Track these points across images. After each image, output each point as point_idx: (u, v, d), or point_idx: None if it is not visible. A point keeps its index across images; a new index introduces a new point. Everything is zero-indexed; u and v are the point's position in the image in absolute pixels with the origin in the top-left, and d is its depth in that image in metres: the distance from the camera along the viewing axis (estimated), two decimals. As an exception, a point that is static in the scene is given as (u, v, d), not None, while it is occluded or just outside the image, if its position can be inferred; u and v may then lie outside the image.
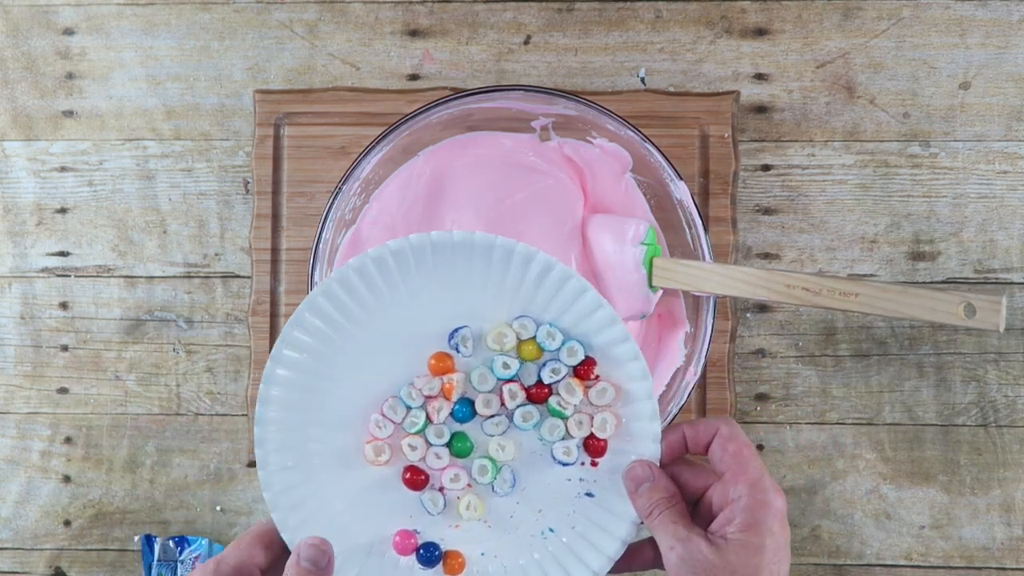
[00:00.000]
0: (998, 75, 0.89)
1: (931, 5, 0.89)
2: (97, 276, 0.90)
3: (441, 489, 0.68)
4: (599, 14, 0.90)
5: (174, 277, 0.90)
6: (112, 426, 0.90)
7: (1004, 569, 0.88)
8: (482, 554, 0.67)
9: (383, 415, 0.67)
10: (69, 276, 0.91)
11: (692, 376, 0.79)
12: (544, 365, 0.68)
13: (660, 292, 0.80)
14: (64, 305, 0.90)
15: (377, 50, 0.90)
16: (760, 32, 0.89)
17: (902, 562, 0.88)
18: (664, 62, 0.89)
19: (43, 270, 0.91)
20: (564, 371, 0.67)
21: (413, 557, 0.67)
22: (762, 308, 0.89)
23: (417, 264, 0.67)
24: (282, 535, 0.64)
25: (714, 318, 0.78)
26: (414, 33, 0.90)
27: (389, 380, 0.68)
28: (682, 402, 0.79)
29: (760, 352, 0.89)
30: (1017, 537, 0.88)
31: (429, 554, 0.66)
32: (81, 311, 0.90)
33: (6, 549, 0.90)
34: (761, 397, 0.88)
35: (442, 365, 0.67)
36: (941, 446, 0.88)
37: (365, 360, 0.68)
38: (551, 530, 0.67)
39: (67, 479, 0.90)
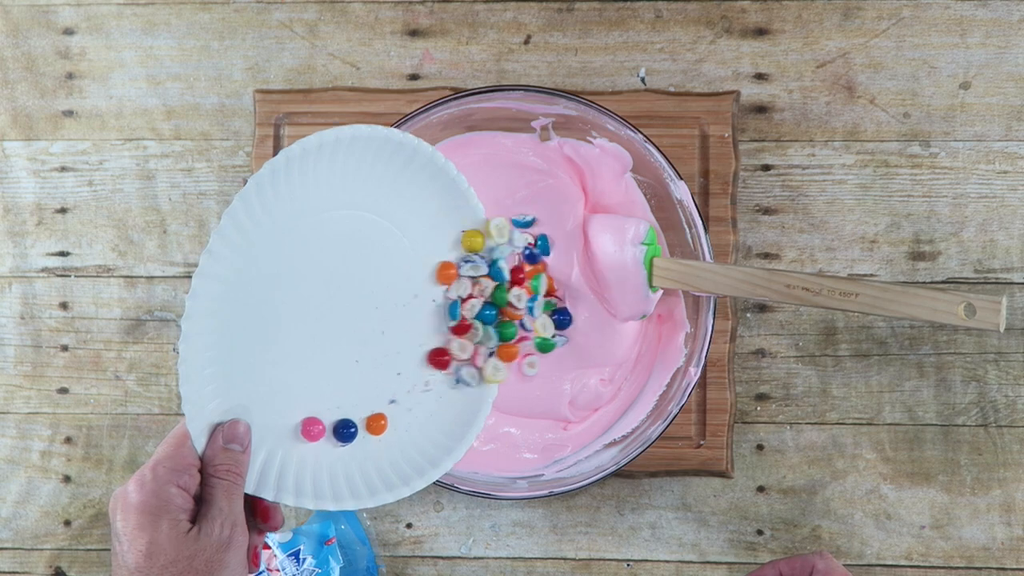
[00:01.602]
0: (998, 75, 0.89)
1: (931, 5, 0.89)
2: (97, 276, 0.90)
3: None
4: (599, 14, 0.90)
5: (174, 277, 0.90)
6: (112, 426, 0.90)
7: (1004, 569, 0.88)
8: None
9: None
10: (69, 276, 0.91)
11: (692, 376, 0.79)
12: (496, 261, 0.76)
13: (660, 292, 0.80)
14: (64, 305, 0.90)
15: (377, 50, 0.90)
16: (760, 32, 0.89)
17: (902, 562, 0.88)
18: (664, 62, 0.89)
19: (43, 270, 0.91)
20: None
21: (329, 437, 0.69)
22: (762, 308, 0.89)
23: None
24: (195, 443, 0.63)
25: (714, 318, 0.78)
26: (414, 33, 0.90)
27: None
28: (682, 402, 0.79)
29: (760, 352, 0.89)
30: (1017, 537, 0.88)
31: (345, 430, 0.69)
32: (81, 311, 0.90)
33: (6, 549, 0.90)
34: (761, 397, 0.88)
35: (449, 272, 0.74)
36: (941, 446, 0.88)
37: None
38: None
39: (67, 479, 0.90)
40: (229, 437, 0.63)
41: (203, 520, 0.60)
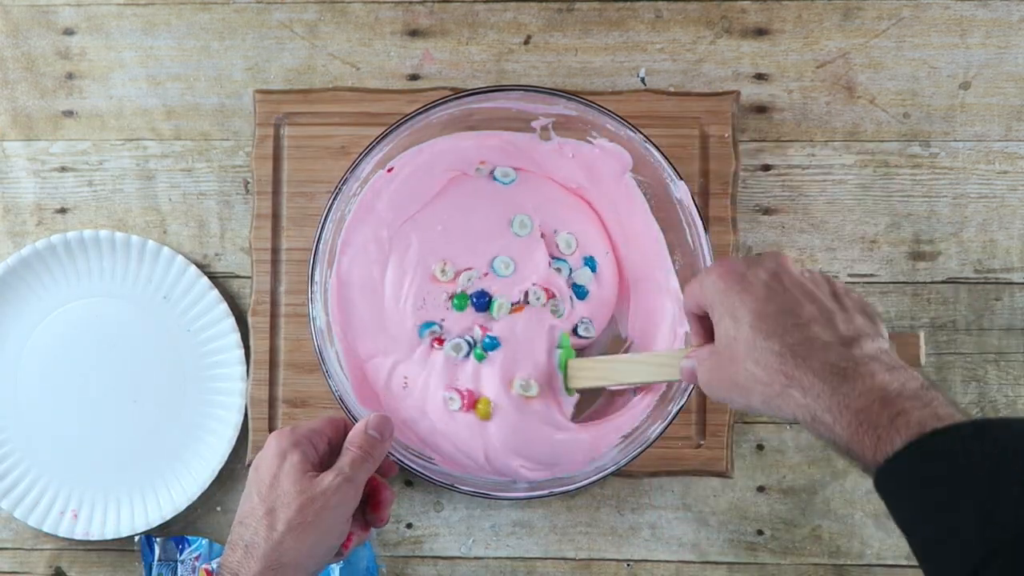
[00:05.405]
0: (998, 75, 0.89)
1: (931, 5, 0.89)
2: (97, 276, 0.90)
3: None
4: (599, 14, 0.90)
5: (174, 277, 0.90)
6: (112, 426, 0.90)
7: (1004, 569, 0.87)
8: None
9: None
10: (69, 276, 0.90)
11: (692, 376, 0.79)
12: None
13: (577, 396, 0.80)
14: (64, 305, 0.90)
15: (377, 50, 0.90)
16: (760, 32, 0.89)
17: (902, 562, 0.87)
18: (664, 62, 0.89)
19: (43, 270, 0.90)
20: None
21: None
22: (762, 308, 0.89)
23: None
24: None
25: (714, 318, 0.78)
26: (414, 33, 0.90)
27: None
28: (682, 402, 0.78)
29: (760, 352, 0.89)
30: (1017, 537, 0.87)
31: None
32: (81, 311, 0.90)
33: (6, 549, 0.90)
34: (761, 397, 0.88)
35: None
36: (941, 446, 0.88)
37: None
38: None
39: (67, 479, 0.90)
40: (372, 425, 0.73)
41: (324, 472, 0.70)
